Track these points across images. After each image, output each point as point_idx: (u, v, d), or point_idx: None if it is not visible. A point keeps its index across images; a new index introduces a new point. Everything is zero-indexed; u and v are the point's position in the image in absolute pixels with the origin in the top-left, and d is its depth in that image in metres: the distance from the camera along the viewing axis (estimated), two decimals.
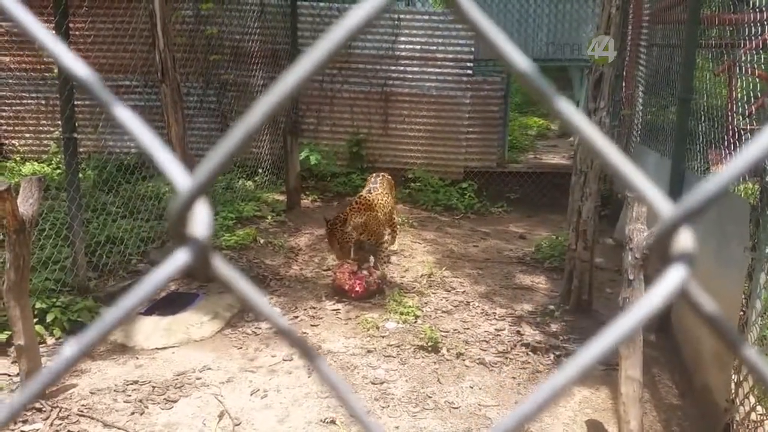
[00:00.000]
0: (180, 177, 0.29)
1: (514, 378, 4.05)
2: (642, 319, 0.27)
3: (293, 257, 6.06)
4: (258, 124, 0.28)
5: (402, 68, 8.39)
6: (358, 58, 8.37)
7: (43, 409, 3.50)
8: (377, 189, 5.88)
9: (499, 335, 4.61)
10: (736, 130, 4.06)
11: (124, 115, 0.30)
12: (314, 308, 4.99)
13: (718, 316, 0.29)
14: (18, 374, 3.65)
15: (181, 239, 0.27)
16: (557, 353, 4.34)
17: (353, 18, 0.28)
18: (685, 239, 0.28)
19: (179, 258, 0.27)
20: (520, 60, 0.28)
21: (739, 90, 4.14)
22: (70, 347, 0.30)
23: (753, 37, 3.68)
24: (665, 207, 0.29)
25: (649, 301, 0.27)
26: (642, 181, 0.30)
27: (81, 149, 5.12)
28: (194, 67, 7.88)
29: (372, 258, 5.48)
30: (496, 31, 0.28)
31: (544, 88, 0.28)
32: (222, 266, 0.28)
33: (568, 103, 0.29)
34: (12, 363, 3.86)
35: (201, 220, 0.27)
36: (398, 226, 6.58)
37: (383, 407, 3.66)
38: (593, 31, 7.46)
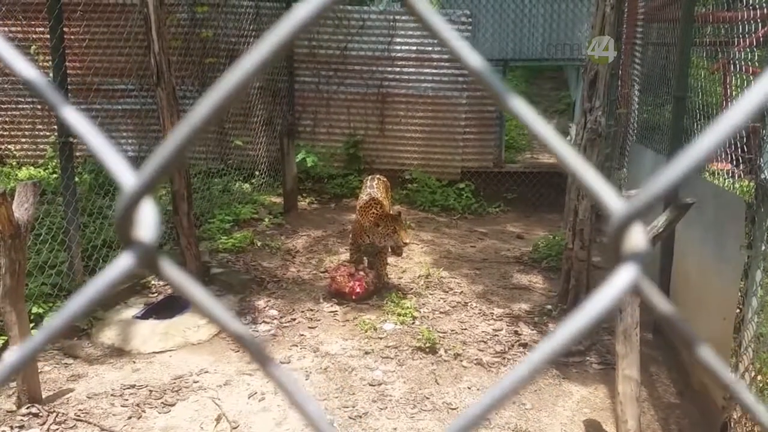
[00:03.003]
0: (126, 176, 0.29)
1: None
2: (591, 321, 0.27)
3: (290, 259, 6.06)
4: (203, 121, 0.27)
5: (398, 69, 8.39)
6: (354, 60, 8.37)
7: (40, 414, 3.49)
8: (375, 192, 5.82)
9: (497, 335, 4.61)
10: None
11: (72, 116, 0.29)
12: (312, 310, 4.98)
13: (673, 314, 0.29)
14: (14, 379, 3.63)
15: (127, 241, 0.27)
16: None
17: (298, 13, 0.28)
18: (636, 237, 0.28)
19: (123, 262, 0.27)
20: (472, 58, 0.28)
21: (733, 88, 4.14)
22: (14, 353, 0.29)
23: (747, 35, 3.68)
24: (616, 204, 0.28)
25: (597, 303, 0.27)
26: (593, 177, 0.29)
27: (77, 153, 5.11)
28: (190, 71, 7.86)
29: (366, 259, 5.46)
30: (448, 28, 0.27)
31: (497, 86, 0.28)
32: (170, 270, 0.28)
33: (522, 102, 0.28)
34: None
35: (147, 222, 0.27)
36: None
37: (381, 409, 3.65)
38: (588, 31, 7.47)
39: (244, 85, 0.28)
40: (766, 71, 0.31)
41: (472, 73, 0.28)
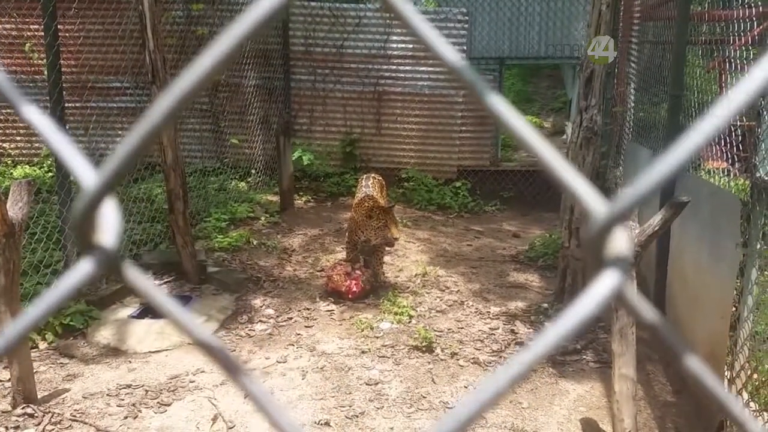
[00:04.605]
0: (86, 174, 0.27)
1: None
2: (572, 329, 0.26)
3: (287, 258, 6.04)
4: (164, 119, 0.26)
5: (394, 67, 8.37)
6: (350, 58, 8.35)
7: (36, 414, 3.47)
8: (370, 191, 5.79)
9: (494, 334, 4.61)
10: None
11: (33, 115, 0.28)
12: (308, 309, 4.97)
13: (659, 322, 0.28)
14: (9, 380, 3.62)
15: (88, 246, 0.26)
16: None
17: (252, 15, 0.27)
18: (619, 242, 0.27)
19: (83, 269, 0.26)
20: (449, 53, 0.27)
21: (730, 86, 4.13)
22: None
23: (743, 33, 3.68)
24: (598, 206, 0.27)
25: (579, 310, 0.26)
26: (574, 178, 0.28)
27: None
28: (185, 68, 7.82)
29: (362, 258, 5.45)
30: (425, 23, 0.27)
31: (476, 83, 0.27)
32: (135, 276, 0.27)
33: (500, 99, 0.27)
34: (4, 368, 3.83)
35: (109, 226, 0.26)
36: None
37: (378, 408, 3.65)
38: (584, 29, 7.47)
39: (204, 81, 0.27)
40: (751, 73, 0.30)
41: (450, 70, 0.27)
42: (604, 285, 0.26)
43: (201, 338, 0.27)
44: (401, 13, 0.27)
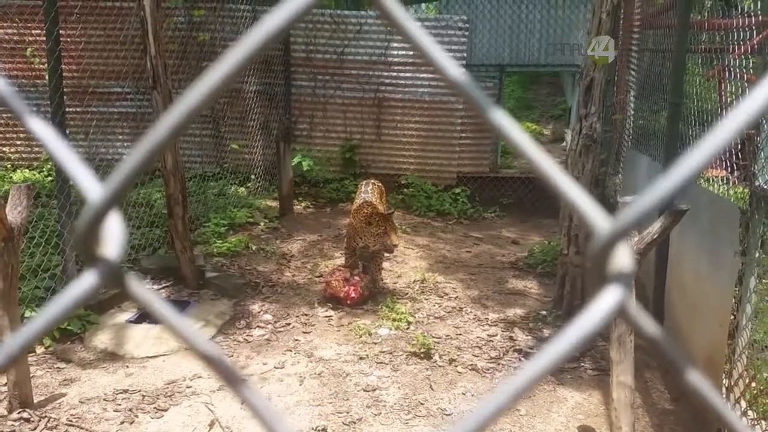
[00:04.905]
0: (91, 186, 0.27)
1: None
2: (574, 345, 0.26)
3: (285, 263, 6.04)
4: (170, 132, 0.26)
5: (395, 74, 8.39)
6: (350, 64, 8.37)
7: (32, 419, 3.46)
8: (369, 197, 5.78)
9: (492, 341, 4.60)
10: None
11: (37, 125, 0.28)
12: (306, 315, 4.96)
13: (661, 338, 0.28)
14: (5, 384, 3.61)
15: (91, 258, 0.26)
16: None
17: (272, 21, 0.27)
18: (622, 257, 0.27)
19: (86, 281, 0.26)
20: (451, 67, 0.27)
21: (729, 94, 4.14)
22: None
23: (742, 42, 3.69)
24: (601, 222, 0.27)
25: (582, 325, 0.26)
26: (578, 194, 0.28)
27: None
28: (186, 74, 7.84)
29: (361, 263, 5.45)
30: (425, 34, 0.27)
31: (478, 97, 0.27)
32: (137, 288, 0.27)
33: (503, 114, 0.27)
34: (1, 373, 3.83)
35: (113, 238, 0.26)
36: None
37: (375, 414, 3.64)
38: (585, 37, 7.49)
39: (216, 93, 0.27)
40: (758, 85, 0.30)
41: (452, 84, 0.27)
42: (606, 301, 0.26)
43: (202, 349, 0.26)
44: (403, 27, 0.27)
